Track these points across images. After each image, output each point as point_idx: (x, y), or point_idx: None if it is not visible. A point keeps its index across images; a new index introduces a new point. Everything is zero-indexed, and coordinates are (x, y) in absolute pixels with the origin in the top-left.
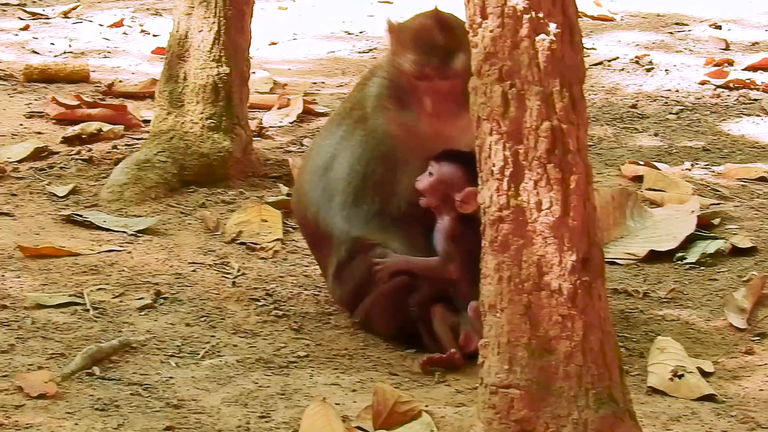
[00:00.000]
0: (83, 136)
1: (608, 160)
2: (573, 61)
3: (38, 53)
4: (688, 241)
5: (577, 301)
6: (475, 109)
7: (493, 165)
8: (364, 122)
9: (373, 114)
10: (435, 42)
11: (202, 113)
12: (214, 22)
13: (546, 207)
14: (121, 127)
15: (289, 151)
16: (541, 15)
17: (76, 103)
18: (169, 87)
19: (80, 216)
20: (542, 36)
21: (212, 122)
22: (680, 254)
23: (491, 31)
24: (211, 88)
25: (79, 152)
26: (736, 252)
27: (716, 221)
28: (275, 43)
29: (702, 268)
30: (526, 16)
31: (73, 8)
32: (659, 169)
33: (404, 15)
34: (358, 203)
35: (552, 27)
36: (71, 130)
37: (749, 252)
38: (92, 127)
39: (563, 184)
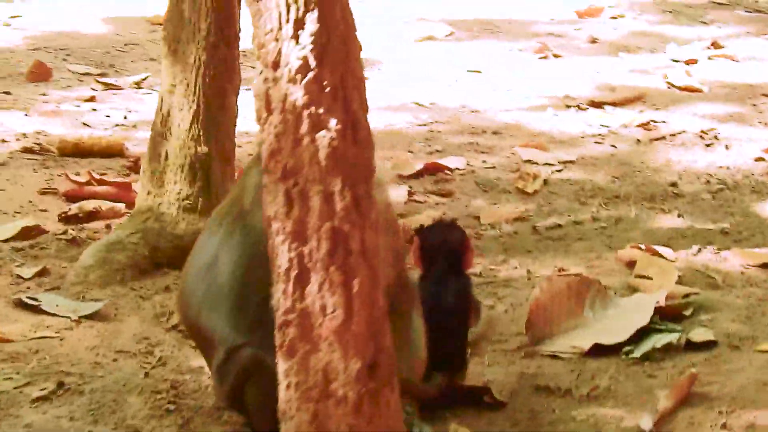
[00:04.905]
0: (80, 215)
1: (615, 242)
2: (358, 159)
3: (89, 126)
4: (644, 334)
5: (363, 410)
6: (265, 208)
7: (279, 266)
8: (242, 219)
9: (251, 208)
10: None
11: (179, 194)
12: (193, 101)
13: (330, 311)
14: (123, 205)
15: None
16: (321, 111)
17: (86, 179)
18: (152, 166)
19: (33, 299)
20: (323, 133)
21: (188, 203)
22: (628, 348)
23: (275, 127)
24: (188, 168)
25: (65, 232)
26: (691, 347)
27: (688, 312)
28: None
29: (647, 363)
30: (305, 112)
31: (144, 78)
32: (660, 254)
33: (495, 87)
34: (243, 311)
35: (332, 123)
36: (70, 208)
37: (706, 347)
38: (90, 205)
39: (346, 288)
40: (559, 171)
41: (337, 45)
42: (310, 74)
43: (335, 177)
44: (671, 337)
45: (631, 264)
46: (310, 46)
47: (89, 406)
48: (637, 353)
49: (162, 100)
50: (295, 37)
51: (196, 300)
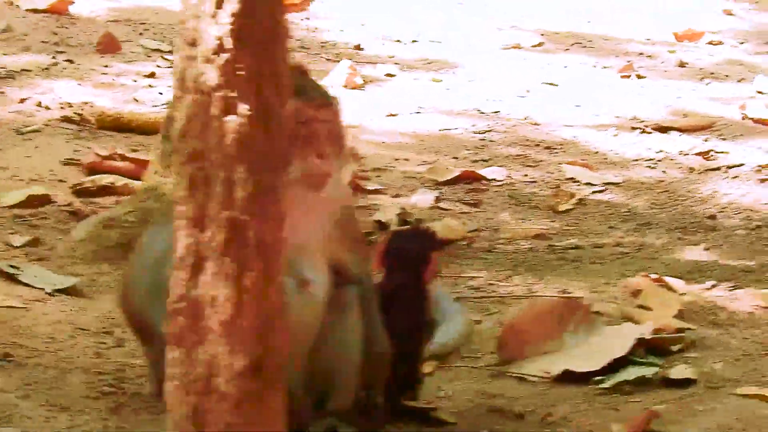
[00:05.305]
0: (92, 189)
1: (630, 270)
2: (266, 149)
3: (138, 101)
4: (621, 366)
5: (243, 410)
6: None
7: (177, 252)
8: None
9: None
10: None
11: None
12: None
13: (219, 303)
14: (139, 183)
15: None
16: (233, 94)
17: (109, 153)
18: (163, 146)
19: (14, 268)
20: (231, 117)
21: None
22: (600, 378)
23: (188, 107)
24: None
25: (70, 204)
26: (668, 383)
27: (676, 347)
28: (394, 115)
29: (615, 395)
30: (217, 94)
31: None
32: (670, 286)
33: (565, 101)
34: None
35: (243, 108)
36: (85, 181)
37: (683, 384)
38: (105, 180)
39: (237, 281)
40: (600, 192)
41: (256, 28)
42: (226, 56)
43: (239, 164)
44: (646, 371)
45: (636, 293)
46: (228, 27)
47: (26, 381)
48: (608, 384)
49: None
50: (214, 15)
51: (141, 291)
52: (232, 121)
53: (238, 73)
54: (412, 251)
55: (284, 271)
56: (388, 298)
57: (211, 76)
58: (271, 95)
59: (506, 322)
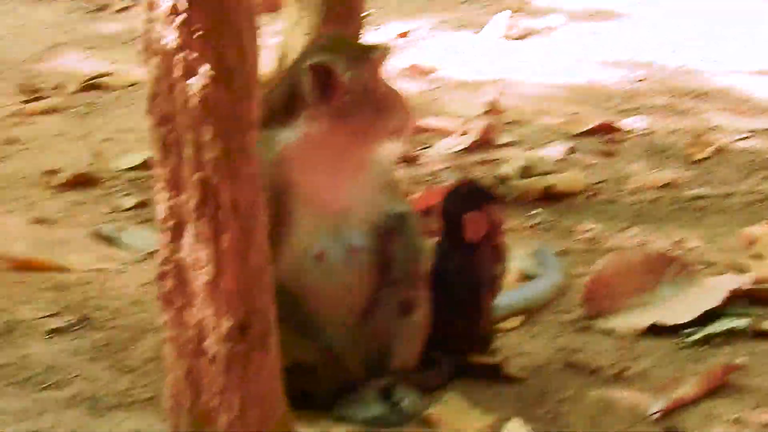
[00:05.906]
0: None
1: (755, 218)
2: (233, 110)
3: None
4: (714, 317)
5: (232, 371)
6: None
7: (159, 214)
8: None
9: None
10: None
11: None
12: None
13: (202, 266)
14: None
15: (419, 182)
16: (193, 56)
17: None
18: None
19: (115, 231)
20: (194, 79)
21: None
22: (689, 330)
23: (154, 70)
24: None
25: None
26: (760, 335)
27: None
28: (547, 66)
29: (703, 348)
30: (178, 56)
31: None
32: None
33: (732, 45)
34: None
35: (203, 69)
36: None
37: None
38: None
39: (215, 243)
40: (743, 139)
41: None
42: (181, 17)
43: (206, 126)
44: (737, 323)
45: (753, 242)
46: None
47: (98, 343)
48: (696, 336)
49: (283, 40)
50: None
51: None
52: (194, 83)
53: (195, 34)
54: (457, 209)
55: (264, 232)
56: (444, 257)
57: (170, 38)
58: (233, 55)
59: (592, 277)
